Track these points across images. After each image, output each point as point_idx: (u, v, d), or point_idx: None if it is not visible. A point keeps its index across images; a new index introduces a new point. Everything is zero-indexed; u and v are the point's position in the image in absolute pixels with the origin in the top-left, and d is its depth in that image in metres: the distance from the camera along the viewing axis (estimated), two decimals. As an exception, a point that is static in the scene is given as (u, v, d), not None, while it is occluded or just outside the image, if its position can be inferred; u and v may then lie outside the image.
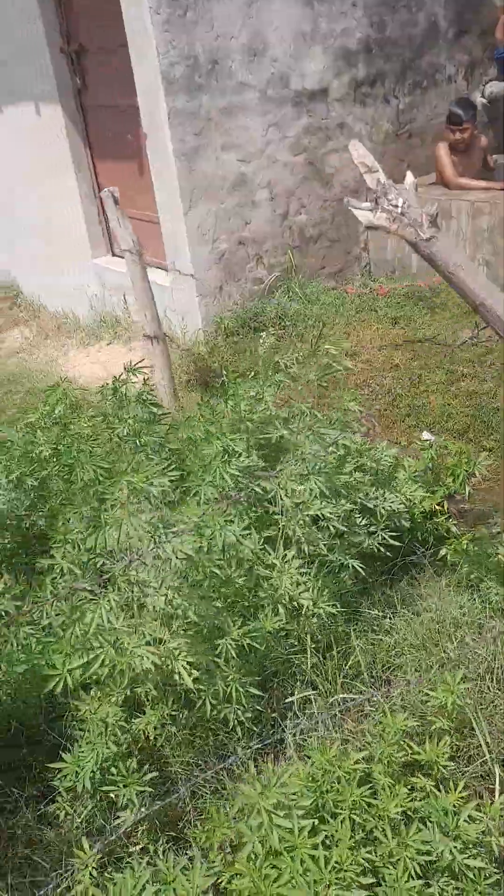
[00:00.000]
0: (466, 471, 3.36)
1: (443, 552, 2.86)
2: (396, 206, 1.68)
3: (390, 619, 2.36)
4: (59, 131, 5.15)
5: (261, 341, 2.59)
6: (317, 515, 2.19)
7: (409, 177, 1.80)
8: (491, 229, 4.37)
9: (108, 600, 1.82)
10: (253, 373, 3.76)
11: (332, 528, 2.20)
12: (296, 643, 2.19)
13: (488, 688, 2.05)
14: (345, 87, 4.79)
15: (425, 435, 3.76)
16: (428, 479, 3.14)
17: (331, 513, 2.16)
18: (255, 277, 4.74)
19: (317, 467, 2.14)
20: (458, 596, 2.48)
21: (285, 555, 2.16)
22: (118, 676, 1.93)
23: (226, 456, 2.19)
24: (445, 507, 3.17)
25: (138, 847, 1.91)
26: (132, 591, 1.83)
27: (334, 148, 4.86)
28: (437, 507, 3.08)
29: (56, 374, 4.87)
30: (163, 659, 1.89)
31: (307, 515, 2.11)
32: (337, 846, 1.55)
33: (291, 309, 4.52)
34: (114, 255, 5.45)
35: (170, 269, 4.56)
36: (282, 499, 2.08)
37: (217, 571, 1.83)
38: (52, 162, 5.38)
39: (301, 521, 2.08)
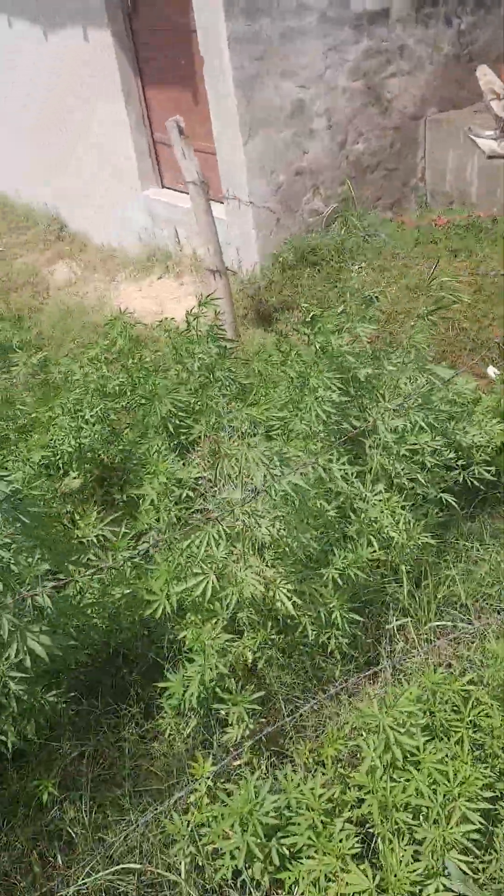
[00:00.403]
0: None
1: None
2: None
3: (478, 550, 2.38)
4: (107, 57, 4.99)
5: (353, 272, 2.55)
6: (411, 449, 2.20)
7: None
8: None
9: (217, 529, 1.85)
10: (324, 307, 3.72)
11: (426, 461, 2.21)
12: (388, 573, 2.23)
13: None
14: (407, 7, 4.58)
15: (491, 370, 3.72)
16: (501, 414, 3.12)
17: (428, 444, 2.16)
18: (313, 209, 4.63)
19: (417, 402, 2.13)
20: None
21: (378, 489, 2.18)
22: (221, 601, 1.98)
23: (318, 392, 2.18)
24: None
25: (242, 762, 1.99)
26: (242, 521, 1.85)
27: (394, 72, 4.67)
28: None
29: (109, 308, 4.84)
30: (266, 586, 1.94)
31: (406, 449, 2.12)
32: (454, 762, 1.60)
33: (351, 242, 4.43)
34: (164, 187, 5.34)
35: (227, 201, 4.46)
36: (382, 433, 2.08)
37: (324, 504, 1.85)
38: (100, 90, 5.23)
39: (400, 455, 2.09)
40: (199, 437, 2.56)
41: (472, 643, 2.05)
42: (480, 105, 4.97)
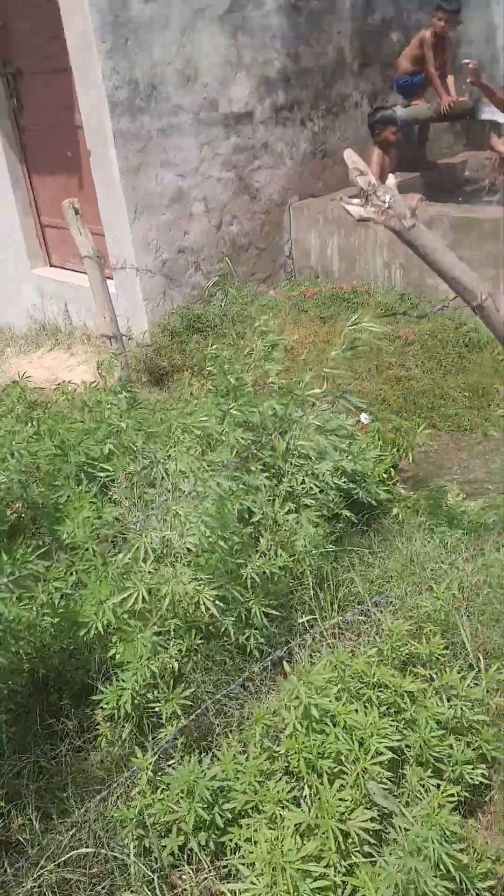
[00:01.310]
0: (407, 442, 3.81)
1: (395, 511, 3.25)
2: (384, 202, 2.05)
3: (369, 557, 2.72)
4: (-6, 149, 5.33)
5: (258, 324, 2.90)
6: (312, 472, 2.53)
7: (391, 178, 2.19)
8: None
9: (149, 538, 2.08)
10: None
11: (328, 482, 2.54)
12: (294, 581, 2.51)
13: (460, 598, 2.43)
14: (267, 111, 5.23)
15: (364, 417, 4.18)
16: (377, 450, 3.54)
17: (327, 469, 2.51)
18: (195, 283, 5.06)
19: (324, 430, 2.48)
20: (421, 538, 2.87)
21: (288, 507, 2.49)
22: (153, 610, 2.18)
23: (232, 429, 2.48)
24: (392, 474, 3.59)
25: (174, 762, 2.16)
26: (168, 527, 2.09)
27: (260, 165, 5.27)
28: (383, 475, 3.49)
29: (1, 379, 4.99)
30: (191, 591, 2.16)
31: (313, 470, 2.45)
32: (364, 715, 1.86)
33: (232, 311, 4.87)
34: (52, 265, 5.64)
35: (116, 276, 4.81)
36: (290, 458, 2.40)
37: (249, 504, 2.12)
38: (-15, 178, 5.54)
39: (308, 475, 2.41)
40: (117, 478, 2.78)
41: (371, 632, 2.34)
42: (334, 194, 5.67)
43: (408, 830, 1.49)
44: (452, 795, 1.68)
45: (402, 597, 2.42)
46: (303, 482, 2.42)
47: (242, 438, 2.35)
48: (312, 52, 5.40)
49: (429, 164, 6.27)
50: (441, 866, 1.49)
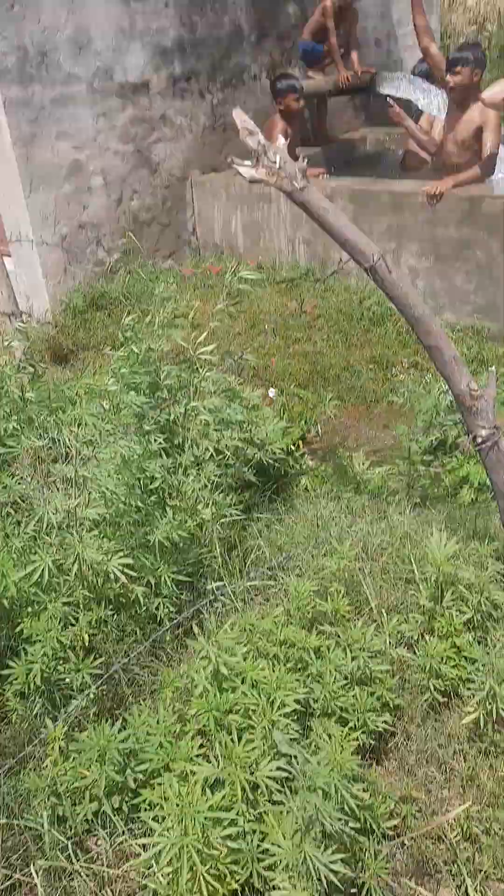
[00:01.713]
0: (314, 415, 3.88)
1: (303, 481, 3.32)
2: (275, 163, 2.07)
3: (277, 525, 2.77)
4: None
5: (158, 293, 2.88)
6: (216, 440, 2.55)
7: (281, 139, 2.20)
8: (308, 210, 4.93)
9: (53, 504, 2.05)
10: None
11: (228, 447, 2.57)
12: (203, 549, 2.53)
13: (364, 558, 2.52)
14: (164, 82, 5.16)
15: (271, 392, 4.23)
16: (284, 423, 3.60)
17: (232, 437, 2.53)
18: (98, 259, 4.97)
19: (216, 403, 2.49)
20: (327, 503, 2.94)
21: (191, 475, 2.50)
22: (61, 582, 2.16)
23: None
24: (300, 446, 3.65)
25: (87, 733, 2.15)
26: (72, 497, 2.07)
27: (159, 138, 5.21)
28: (292, 447, 3.55)
29: None
30: (98, 559, 2.15)
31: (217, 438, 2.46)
32: (272, 672, 1.91)
33: (136, 288, 4.81)
34: None
35: (13, 254, 4.67)
36: (190, 424, 2.41)
37: (150, 471, 2.13)
38: None
39: (212, 442, 2.43)
40: (19, 454, 2.73)
41: (279, 595, 2.39)
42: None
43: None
44: (356, 740, 1.74)
45: (307, 560, 2.48)
46: (206, 449, 2.44)
47: (137, 401, 2.35)
48: (208, 22, 5.35)
49: (328, 139, 6.34)
50: (346, 806, 1.56)
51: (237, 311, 4.92)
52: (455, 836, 1.76)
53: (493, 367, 2.82)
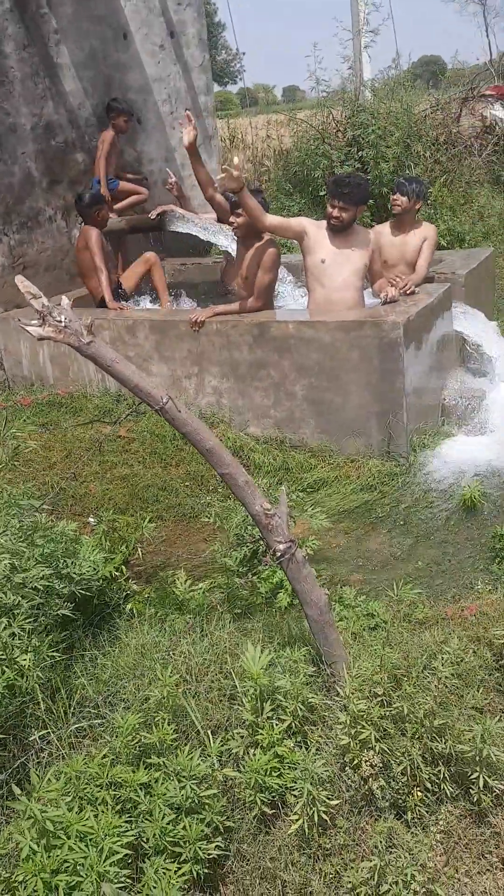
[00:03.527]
0: (135, 538, 3.97)
1: (129, 606, 3.37)
2: (60, 321, 2.22)
3: (102, 658, 2.77)
4: None
5: None
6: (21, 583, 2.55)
7: (65, 299, 2.37)
8: (113, 341, 5.16)
9: None
10: None
11: (38, 588, 2.57)
12: (25, 696, 2.48)
13: (189, 680, 2.58)
14: (-41, 228, 5.29)
15: (91, 520, 4.28)
16: (105, 550, 3.65)
17: (39, 577, 2.54)
18: None
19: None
20: (151, 630, 2.99)
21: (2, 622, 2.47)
22: None
23: None
24: (124, 571, 3.71)
25: None
26: None
27: (-42, 280, 5.28)
28: (116, 573, 3.59)
29: None
30: None
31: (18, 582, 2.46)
32: (98, 819, 1.90)
33: None
34: None
35: None
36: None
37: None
38: None
39: (15, 585, 2.43)
40: None
41: (106, 733, 2.39)
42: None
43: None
44: (186, 874, 1.77)
45: (132, 692, 2.51)
46: (13, 598, 2.44)
47: None
48: None
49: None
50: None
51: (52, 440, 4.97)
52: None
53: (283, 486, 3.08)
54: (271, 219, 4.69)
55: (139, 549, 3.95)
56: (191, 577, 3.77)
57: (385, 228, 5.37)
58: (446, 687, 2.34)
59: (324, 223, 4.75)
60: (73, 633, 2.91)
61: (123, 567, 3.69)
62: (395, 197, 5.25)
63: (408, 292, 4.67)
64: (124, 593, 3.52)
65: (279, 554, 2.43)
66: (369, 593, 3.50)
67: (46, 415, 5.18)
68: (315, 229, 4.74)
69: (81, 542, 3.46)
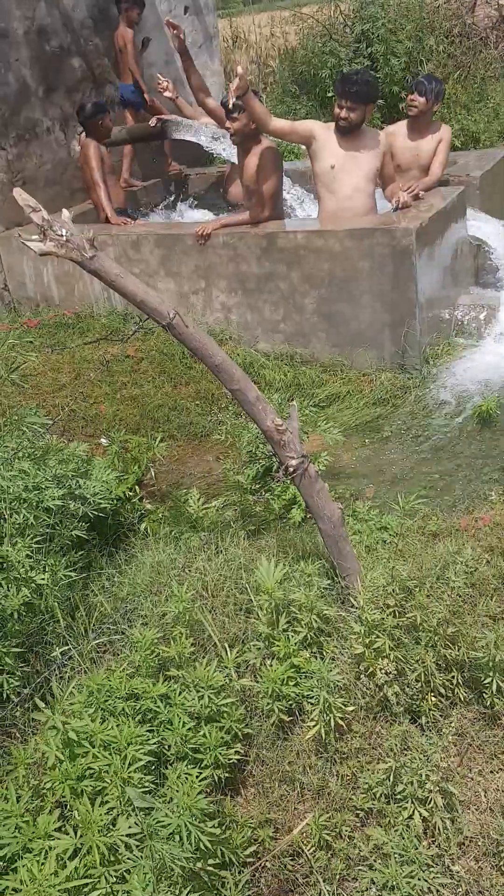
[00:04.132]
0: (147, 458, 3.96)
1: (143, 526, 3.38)
2: (62, 235, 2.14)
3: (118, 577, 2.81)
4: None
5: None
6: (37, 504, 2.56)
7: (66, 212, 2.27)
8: (118, 258, 5.03)
9: None
10: None
11: (52, 508, 2.58)
12: (45, 615, 2.53)
13: (205, 597, 2.61)
14: (-47, 141, 5.09)
15: (103, 440, 4.27)
16: (117, 471, 3.65)
17: (53, 497, 2.55)
18: None
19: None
20: (167, 548, 3.01)
21: (17, 543, 2.49)
22: None
23: None
24: (138, 491, 3.72)
25: None
26: None
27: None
28: (129, 493, 3.60)
29: None
30: None
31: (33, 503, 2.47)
32: (122, 730, 1.96)
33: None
34: None
35: None
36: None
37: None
38: None
39: (34, 507, 2.44)
40: None
41: (127, 648, 2.44)
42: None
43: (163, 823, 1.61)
44: (207, 778, 1.83)
45: (149, 608, 2.54)
46: (25, 517, 2.44)
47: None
48: (-8, 81, 5.35)
49: (129, 185, 6.48)
50: (202, 846, 1.63)
51: (60, 361, 4.92)
52: (310, 849, 1.88)
53: (295, 402, 3.03)
54: (277, 122, 4.47)
55: (152, 469, 3.95)
56: (204, 495, 3.78)
57: (400, 129, 5.10)
58: (459, 596, 2.35)
59: (332, 126, 4.52)
60: (90, 552, 2.94)
61: (137, 487, 3.70)
62: (412, 97, 4.97)
63: (417, 197, 4.48)
64: (138, 513, 3.54)
65: (291, 469, 2.41)
66: (382, 506, 3.50)
67: (53, 336, 5.11)
68: (324, 132, 4.52)
69: (94, 463, 3.46)
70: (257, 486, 3.48)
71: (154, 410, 4.45)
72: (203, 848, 1.61)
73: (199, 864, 1.56)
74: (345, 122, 4.39)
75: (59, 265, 5.29)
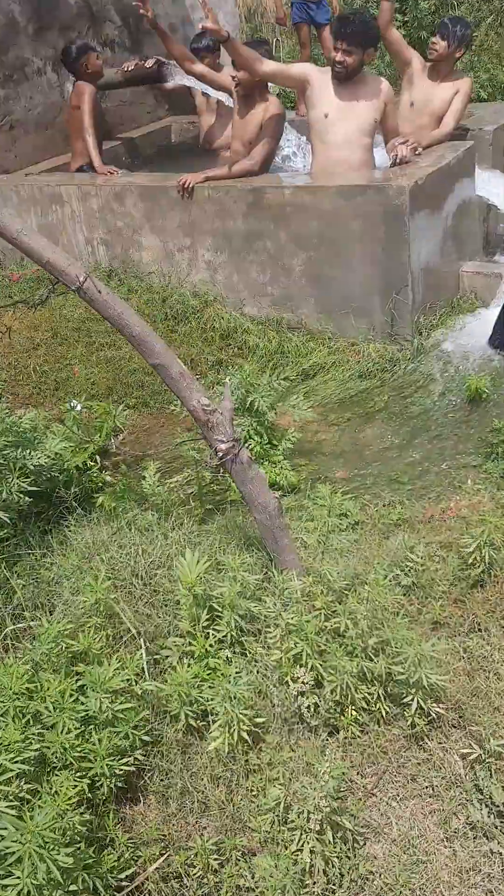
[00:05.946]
0: (111, 426, 3.76)
1: (100, 500, 3.19)
2: None
3: (48, 557, 2.65)
4: None
5: None
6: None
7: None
8: (101, 209, 4.78)
9: None
10: None
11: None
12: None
13: (134, 585, 2.44)
14: None
15: (72, 403, 4.08)
16: (78, 438, 3.46)
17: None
18: None
19: None
20: (109, 524, 2.84)
21: None
22: None
23: None
24: (99, 461, 3.53)
25: None
26: None
27: None
28: (90, 462, 3.42)
29: None
30: None
31: None
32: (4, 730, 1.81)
33: None
34: None
35: None
36: None
37: None
38: None
39: None
40: None
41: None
42: (28, 169, 5.42)
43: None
44: (83, 792, 1.68)
45: (69, 595, 2.39)
46: None
47: None
48: (-22, 18, 5.06)
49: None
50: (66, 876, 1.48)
51: (38, 318, 4.72)
52: (197, 872, 1.73)
53: (228, 380, 2.80)
54: (268, 65, 4.14)
55: (117, 439, 3.77)
56: (169, 469, 3.60)
57: (422, 68, 4.70)
58: (400, 600, 2.16)
59: (329, 71, 4.18)
60: (24, 530, 2.78)
61: (98, 457, 3.52)
62: (434, 40, 4.58)
63: (416, 152, 4.13)
64: (97, 486, 3.37)
65: (221, 454, 2.20)
66: (354, 489, 3.29)
67: (34, 291, 4.91)
68: (319, 77, 4.18)
69: (53, 431, 3.29)
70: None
71: (128, 375, 4.25)
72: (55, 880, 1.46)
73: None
74: (340, 67, 4.05)
75: (42, 216, 5.06)
